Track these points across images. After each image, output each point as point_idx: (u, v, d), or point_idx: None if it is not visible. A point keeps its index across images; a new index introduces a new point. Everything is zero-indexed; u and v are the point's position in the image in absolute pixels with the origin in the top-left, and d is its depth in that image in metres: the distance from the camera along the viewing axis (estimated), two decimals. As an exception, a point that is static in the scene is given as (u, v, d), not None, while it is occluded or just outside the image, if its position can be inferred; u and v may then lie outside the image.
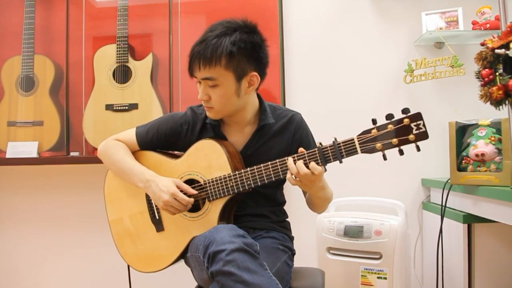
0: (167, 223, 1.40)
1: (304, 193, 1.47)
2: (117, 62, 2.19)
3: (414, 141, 1.11)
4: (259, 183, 1.26)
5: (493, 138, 1.58)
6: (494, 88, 1.37)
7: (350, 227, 1.83)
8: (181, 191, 1.30)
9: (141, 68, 2.19)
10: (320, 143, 1.19)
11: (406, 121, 1.11)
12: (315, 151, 1.18)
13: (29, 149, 2.17)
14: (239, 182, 1.28)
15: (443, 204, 1.80)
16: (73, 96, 2.29)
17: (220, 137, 1.41)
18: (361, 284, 1.80)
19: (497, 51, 1.37)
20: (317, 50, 2.25)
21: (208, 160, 1.34)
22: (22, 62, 2.23)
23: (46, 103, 2.23)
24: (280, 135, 1.41)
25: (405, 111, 1.11)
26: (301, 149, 1.20)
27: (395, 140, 1.12)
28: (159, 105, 2.17)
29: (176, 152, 1.50)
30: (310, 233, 1.99)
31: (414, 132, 1.10)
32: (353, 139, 1.15)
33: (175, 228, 1.38)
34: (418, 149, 1.12)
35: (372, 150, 1.14)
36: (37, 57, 2.25)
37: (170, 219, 1.39)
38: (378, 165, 2.15)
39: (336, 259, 1.85)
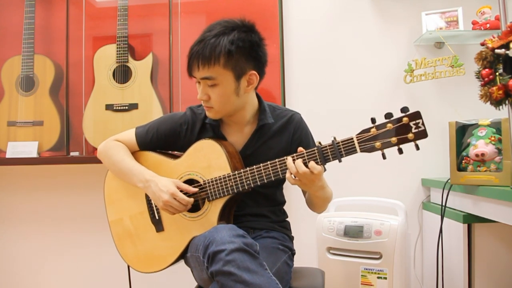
0: (167, 223, 1.40)
1: (304, 192, 1.47)
2: (117, 62, 2.20)
3: (413, 140, 1.11)
4: (258, 183, 1.26)
5: (493, 138, 1.58)
6: (494, 88, 1.37)
7: (350, 227, 1.83)
8: (181, 191, 1.30)
9: (141, 68, 2.19)
10: (319, 143, 1.19)
11: (405, 120, 1.11)
12: (314, 150, 1.18)
13: (29, 149, 2.17)
14: (238, 182, 1.28)
15: (443, 204, 1.80)
16: (73, 96, 2.29)
17: (219, 137, 1.41)
18: (361, 284, 1.80)
19: (497, 51, 1.37)
20: (317, 50, 2.25)
21: (207, 160, 1.34)
22: (22, 62, 2.23)
23: (46, 103, 2.23)
24: (279, 135, 1.41)
25: (404, 110, 1.11)
26: (300, 149, 1.20)
27: (394, 139, 1.12)
28: (159, 105, 2.17)
29: (175, 152, 1.50)
30: (310, 233, 1.99)
31: (413, 131, 1.10)
32: (352, 138, 1.15)
33: (175, 228, 1.38)
34: (417, 147, 1.12)
35: (371, 149, 1.14)
36: (37, 57, 2.25)
37: (170, 219, 1.39)
38: (378, 165, 2.15)
39: (336, 259, 1.85)
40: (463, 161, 1.66)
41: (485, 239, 1.72)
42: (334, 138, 1.17)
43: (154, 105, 2.17)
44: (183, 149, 1.41)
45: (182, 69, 2.23)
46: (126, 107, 2.17)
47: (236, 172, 1.28)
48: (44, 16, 2.35)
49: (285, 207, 1.55)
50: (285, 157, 1.22)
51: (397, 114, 1.12)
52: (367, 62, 2.23)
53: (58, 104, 2.26)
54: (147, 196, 1.43)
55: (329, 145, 1.17)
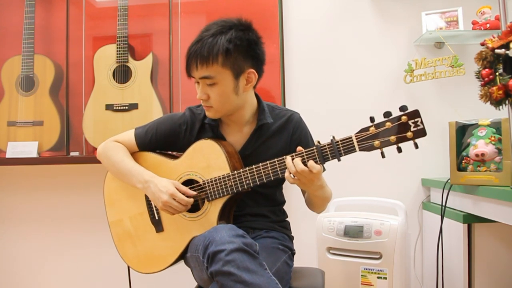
0: (167, 223, 1.40)
1: (303, 192, 1.47)
2: (117, 62, 2.20)
3: (412, 139, 1.11)
4: (258, 183, 1.26)
5: (493, 138, 1.58)
6: (494, 88, 1.36)
7: (350, 227, 1.83)
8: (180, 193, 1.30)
9: (141, 68, 2.19)
10: (319, 142, 1.19)
11: (404, 118, 1.11)
12: (313, 149, 1.18)
13: (29, 149, 2.17)
14: (238, 182, 1.28)
15: (443, 204, 1.80)
16: (73, 96, 2.29)
17: (218, 137, 1.41)
18: (361, 284, 1.80)
19: (497, 51, 1.37)
20: (317, 50, 2.25)
21: (207, 160, 1.34)
22: (22, 62, 2.23)
23: (46, 103, 2.23)
24: (278, 135, 1.41)
25: (402, 108, 1.11)
26: (299, 148, 1.20)
27: (393, 138, 1.12)
28: (159, 105, 2.17)
29: (174, 153, 1.50)
30: (310, 233, 1.99)
31: (412, 129, 1.10)
32: (351, 137, 1.15)
33: (175, 228, 1.38)
34: (416, 146, 1.12)
35: (370, 148, 1.14)
36: (37, 57, 2.25)
37: (170, 219, 1.39)
38: (378, 165, 2.15)
39: (336, 259, 1.85)
40: (463, 161, 1.66)
41: (485, 239, 1.72)
42: (333, 137, 1.17)
43: (154, 105, 2.17)
44: (183, 149, 1.41)
45: (182, 69, 2.23)
46: (126, 107, 2.17)
47: (236, 172, 1.28)
48: (44, 16, 2.35)
49: (285, 207, 1.55)
50: (284, 157, 1.22)
51: (396, 114, 1.12)
52: (367, 62, 2.23)
53: (58, 104, 2.26)
54: (146, 197, 1.43)
55: (328, 144, 1.17)
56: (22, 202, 2.39)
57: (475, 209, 1.67)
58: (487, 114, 1.61)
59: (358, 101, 2.21)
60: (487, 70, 1.40)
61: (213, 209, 1.33)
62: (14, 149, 2.17)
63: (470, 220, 1.71)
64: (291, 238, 1.51)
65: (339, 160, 1.17)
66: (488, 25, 1.99)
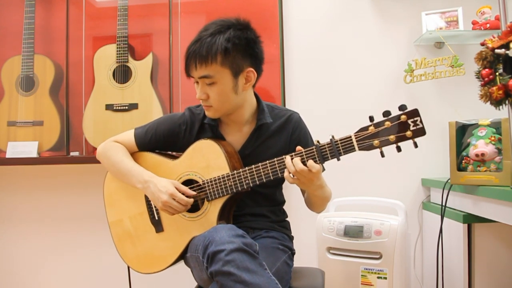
0: (167, 223, 1.40)
1: (303, 192, 1.47)
2: (117, 62, 2.20)
3: (412, 138, 1.11)
4: (257, 182, 1.26)
5: (493, 138, 1.58)
6: (494, 88, 1.36)
7: (350, 227, 1.83)
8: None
9: (141, 68, 2.19)
10: (318, 141, 1.19)
11: (403, 117, 1.10)
12: (312, 149, 1.18)
13: (29, 149, 2.17)
14: (237, 182, 1.28)
15: (443, 204, 1.80)
16: (73, 96, 2.29)
17: (218, 137, 1.41)
18: (361, 284, 1.80)
19: (497, 51, 1.37)
20: (317, 50, 2.25)
21: (206, 160, 1.34)
22: (22, 62, 2.23)
23: (46, 103, 2.23)
24: (278, 135, 1.41)
25: (402, 107, 1.11)
26: (298, 148, 1.20)
27: (392, 137, 1.11)
28: (159, 105, 2.17)
29: (174, 153, 1.50)
30: (310, 233, 1.99)
31: (411, 128, 1.10)
32: (350, 137, 1.15)
33: (175, 228, 1.38)
34: (416, 145, 1.12)
35: (369, 147, 1.14)
36: (37, 57, 2.25)
37: (170, 219, 1.39)
38: (378, 165, 2.15)
39: (336, 259, 1.85)
40: (463, 161, 1.66)
41: (485, 239, 1.72)
42: (332, 136, 1.17)
43: (154, 105, 2.17)
44: (182, 149, 1.41)
45: (182, 69, 2.21)
46: (126, 107, 2.17)
47: (235, 172, 1.28)
48: (44, 16, 2.35)
49: (285, 207, 1.55)
50: (283, 156, 1.22)
51: (395, 113, 1.12)
52: (367, 62, 2.23)
53: (58, 104, 2.26)
54: (146, 197, 1.43)
55: (327, 144, 1.17)
56: (22, 202, 2.39)
57: (475, 209, 1.67)
58: (487, 114, 1.60)
59: (358, 101, 2.21)
60: (487, 70, 1.40)
61: (212, 209, 1.32)
62: (14, 149, 2.17)
63: (470, 220, 1.71)
64: (291, 238, 1.51)
65: (338, 159, 1.17)
66: (488, 25, 1.99)
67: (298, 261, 1.52)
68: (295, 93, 2.25)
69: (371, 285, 1.79)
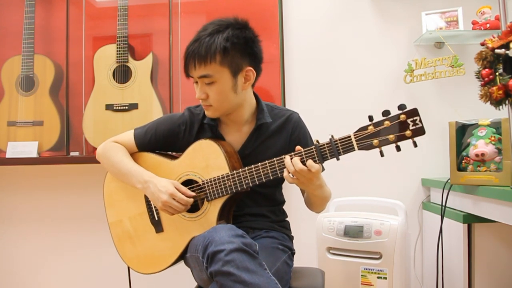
0: (166, 224, 1.40)
1: (302, 192, 1.47)
2: (117, 62, 2.20)
3: (411, 137, 1.11)
4: (257, 182, 1.26)
5: (493, 138, 1.58)
6: (494, 88, 1.36)
7: (350, 227, 1.83)
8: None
9: (141, 68, 2.19)
10: (317, 141, 1.19)
11: (402, 117, 1.10)
12: (312, 148, 1.18)
13: (29, 149, 2.17)
14: (237, 182, 1.28)
15: (443, 204, 1.80)
16: (73, 96, 2.29)
17: (218, 137, 1.41)
18: (361, 284, 1.80)
19: (497, 51, 1.36)
20: (317, 50, 2.25)
21: (206, 160, 1.34)
22: (22, 62, 2.23)
23: (46, 103, 2.23)
24: (277, 135, 1.41)
25: (401, 107, 1.11)
26: (298, 147, 1.20)
27: (391, 136, 1.11)
28: (159, 105, 2.17)
29: (174, 153, 1.50)
30: (310, 233, 1.99)
31: (411, 128, 1.10)
32: (349, 136, 1.15)
33: (174, 228, 1.38)
34: (415, 145, 1.12)
35: (369, 147, 1.14)
36: (37, 57, 2.25)
37: (169, 220, 1.39)
38: (378, 165, 2.15)
39: (336, 259, 1.85)
40: (463, 161, 1.66)
41: (485, 239, 1.72)
42: (332, 136, 1.17)
43: (154, 105, 2.17)
44: (182, 149, 1.41)
45: (182, 69, 2.22)
46: (126, 107, 2.17)
47: (235, 171, 1.28)
48: (44, 16, 2.35)
49: (284, 207, 1.55)
50: (283, 156, 1.22)
51: (395, 112, 1.12)
52: (367, 62, 2.23)
53: (58, 104, 2.26)
54: (146, 197, 1.43)
55: (326, 143, 1.17)
56: (22, 202, 2.39)
57: (475, 209, 1.67)
58: (487, 114, 1.60)
59: (358, 101, 2.21)
60: (487, 70, 1.40)
61: (212, 209, 1.32)
62: (14, 149, 2.17)
63: (470, 220, 1.71)
64: (291, 238, 1.51)
65: (338, 159, 1.17)
66: (488, 25, 1.99)
67: (298, 261, 1.52)
68: (295, 93, 2.25)
69: (371, 285, 1.79)
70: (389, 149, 1.14)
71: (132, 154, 1.46)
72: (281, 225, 1.48)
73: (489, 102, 1.40)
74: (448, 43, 2.10)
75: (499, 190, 1.47)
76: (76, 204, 2.35)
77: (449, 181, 1.76)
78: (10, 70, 2.25)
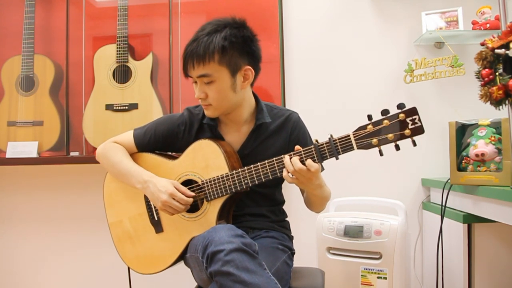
0: (166, 224, 1.40)
1: (302, 192, 1.47)
2: (117, 62, 2.20)
3: (410, 136, 1.10)
4: (256, 182, 1.26)
5: (493, 138, 1.58)
6: (494, 88, 1.36)
7: (350, 227, 1.83)
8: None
9: (141, 68, 2.19)
10: (317, 140, 1.19)
11: (401, 116, 1.10)
12: (311, 148, 1.18)
13: (29, 149, 2.17)
14: (236, 181, 1.28)
15: (443, 204, 1.80)
16: (73, 96, 2.29)
17: (217, 137, 1.41)
18: (361, 284, 1.80)
19: (497, 51, 1.36)
20: (317, 50, 2.25)
21: (205, 160, 1.34)
22: (22, 62, 2.23)
23: (46, 103, 2.23)
24: (277, 135, 1.41)
25: (400, 106, 1.11)
26: (297, 147, 1.20)
27: (391, 135, 1.11)
28: (159, 105, 2.17)
29: (173, 154, 1.50)
30: (310, 233, 1.99)
31: (410, 127, 1.10)
32: (349, 135, 1.15)
33: (174, 229, 1.38)
34: (414, 144, 1.12)
35: (368, 146, 1.14)
36: (37, 57, 2.25)
37: (169, 220, 1.39)
38: (378, 165, 2.15)
39: (336, 259, 1.85)
40: (463, 161, 1.66)
41: (485, 239, 1.72)
42: (331, 135, 1.17)
43: (154, 105, 2.17)
44: (181, 150, 1.41)
45: (182, 69, 2.24)
46: (126, 107, 2.17)
47: (234, 171, 1.28)
48: (44, 16, 2.35)
49: (284, 207, 1.55)
50: (282, 156, 1.22)
51: (394, 112, 1.12)
52: (367, 62, 2.23)
53: (58, 104, 2.26)
54: (146, 198, 1.43)
55: (326, 143, 1.17)
56: (22, 202, 2.39)
57: (475, 209, 1.67)
58: (487, 114, 1.60)
59: (358, 101, 2.21)
60: (487, 70, 1.40)
61: (212, 209, 1.32)
62: (14, 149, 2.18)
63: (470, 220, 1.71)
64: (291, 238, 1.51)
65: (337, 158, 1.17)
66: (488, 25, 1.99)
67: (298, 261, 1.52)
68: (295, 93, 2.25)
69: (371, 285, 1.79)
70: (389, 149, 1.14)
71: (132, 155, 1.46)
72: (281, 225, 1.48)
73: (489, 102, 1.40)
74: (448, 43, 2.10)
75: (499, 190, 1.47)
76: (76, 204, 2.35)
77: (449, 181, 1.76)
78: (10, 70, 2.25)
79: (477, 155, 1.59)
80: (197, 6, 2.32)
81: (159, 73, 2.26)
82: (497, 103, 1.38)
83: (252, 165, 1.26)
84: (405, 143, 1.12)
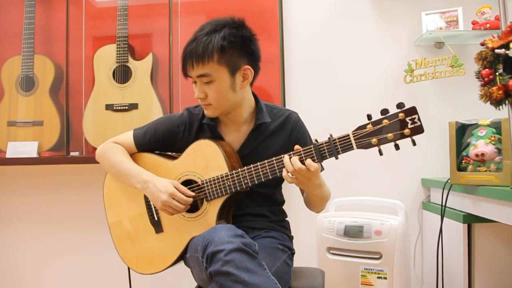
0: (166, 224, 1.40)
1: (302, 192, 1.47)
2: (117, 62, 2.20)
3: (410, 136, 1.11)
4: (256, 182, 1.26)
5: (493, 138, 1.58)
6: (494, 88, 1.36)
7: (350, 227, 1.83)
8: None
9: (141, 68, 2.19)
10: (316, 140, 1.19)
11: (401, 115, 1.10)
12: (311, 148, 1.18)
13: (29, 149, 2.17)
14: (236, 181, 1.28)
15: (443, 204, 1.80)
16: (73, 96, 2.29)
17: (217, 137, 1.41)
18: (361, 284, 1.80)
19: (497, 51, 1.36)
20: (317, 50, 2.25)
21: (205, 160, 1.34)
22: (22, 62, 2.23)
23: (46, 103, 2.23)
24: (276, 134, 1.41)
25: (400, 105, 1.11)
26: (297, 147, 1.21)
27: (390, 135, 1.11)
28: (159, 105, 2.17)
29: (173, 154, 1.50)
30: (310, 233, 1.99)
31: (409, 126, 1.10)
32: (348, 135, 1.15)
33: (174, 229, 1.38)
34: (414, 143, 1.12)
35: (367, 146, 1.14)
36: (37, 57, 2.25)
37: (169, 220, 1.39)
38: (378, 165, 2.15)
39: (336, 259, 1.85)
40: (463, 161, 1.66)
41: (485, 239, 1.72)
42: (331, 135, 1.17)
43: (154, 105, 2.17)
44: (181, 149, 1.41)
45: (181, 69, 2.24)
46: (126, 107, 2.17)
47: (234, 171, 1.28)
48: (44, 16, 2.35)
49: (284, 207, 1.55)
50: (282, 156, 1.22)
51: (394, 111, 1.12)
52: (367, 62, 2.23)
53: (58, 104, 2.26)
54: (146, 198, 1.43)
55: (325, 142, 1.17)
56: (22, 202, 2.39)
57: (475, 209, 1.67)
58: (487, 114, 1.60)
59: (358, 101, 2.21)
60: (487, 70, 1.40)
61: (212, 209, 1.32)
62: (14, 149, 2.18)
63: (470, 220, 1.71)
64: (291, 238, 1.51)
65: (337, 158, 1.17)
66: (488, 25, 1.99)
67: (298, 261, 1.52)
68: (295, 93, 2.25)
69: (371, 285, 1.79)
70: (389, 148, 1.14)
71: (132, 155, 1.46)
72: (281, 225, 1.48)
73: (489, 102, 1.40)
74: (448, 43, 2.10)
75: (499, 190, 1.47)
76: (76, 204, 2.35)
77: (449, 181, 1.76)
78: (10, 70, 2.25)
79: (477, 155, 1.59)
80: (197, 6, 2.32)
81: (159, 73, 2.26)
82: (497, 103, 1.38)
83: (252, 165, 1.26)
84: (405, 143, 1.12)
